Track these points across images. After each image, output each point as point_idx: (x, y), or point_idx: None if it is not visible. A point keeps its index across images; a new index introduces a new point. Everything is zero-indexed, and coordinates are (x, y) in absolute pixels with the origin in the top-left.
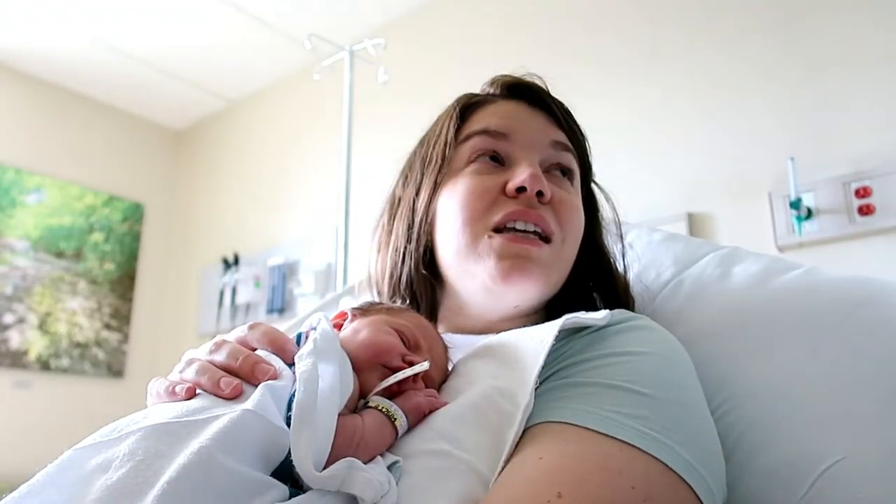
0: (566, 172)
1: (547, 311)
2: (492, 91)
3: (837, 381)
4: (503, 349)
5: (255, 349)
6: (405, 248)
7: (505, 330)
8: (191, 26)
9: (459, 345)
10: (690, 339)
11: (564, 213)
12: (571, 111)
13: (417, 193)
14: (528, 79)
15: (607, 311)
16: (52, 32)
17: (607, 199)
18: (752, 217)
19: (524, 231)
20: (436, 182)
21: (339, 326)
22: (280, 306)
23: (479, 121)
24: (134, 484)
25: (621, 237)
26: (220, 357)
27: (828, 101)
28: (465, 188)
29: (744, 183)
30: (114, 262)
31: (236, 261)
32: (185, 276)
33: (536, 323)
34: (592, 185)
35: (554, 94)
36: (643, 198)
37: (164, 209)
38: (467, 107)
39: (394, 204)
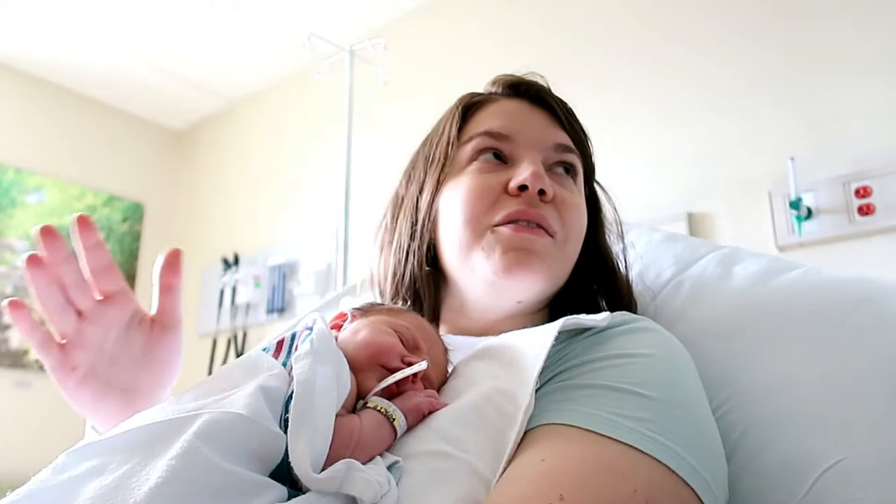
0: (569, 171)
1: (550, 311)
2: (494, 90)
3: (837, 382)
4: (503, 350)
5: None
6: (408, 246)
7: (506, 330)
8: (191, 26)
9: (460, 346)
10: (690, 339)
11: (566, 211)
12: (574, 110)
13: (420, 192)
14: (531, 77)
15: (608, 313)
16: (52, 33)
17: (608, 198)
18: (752, 217)
19: (527, 225)
20: (438, 180)
21: (338, 327)
22: (280, 306)
23: (482, 121)
24: (127, 487)
25: (622, 237)
26: None
27: (828, 100)
28: (468, 186)
29: (744, 183)
30: None
31: (236, 261)
32: (185, 276)
33: (538, 323)
34: (595, 185)
35: (555, 93)
36: (643, 198)
37: (164, 209)
38: (469, 106)
39: (397, 204)
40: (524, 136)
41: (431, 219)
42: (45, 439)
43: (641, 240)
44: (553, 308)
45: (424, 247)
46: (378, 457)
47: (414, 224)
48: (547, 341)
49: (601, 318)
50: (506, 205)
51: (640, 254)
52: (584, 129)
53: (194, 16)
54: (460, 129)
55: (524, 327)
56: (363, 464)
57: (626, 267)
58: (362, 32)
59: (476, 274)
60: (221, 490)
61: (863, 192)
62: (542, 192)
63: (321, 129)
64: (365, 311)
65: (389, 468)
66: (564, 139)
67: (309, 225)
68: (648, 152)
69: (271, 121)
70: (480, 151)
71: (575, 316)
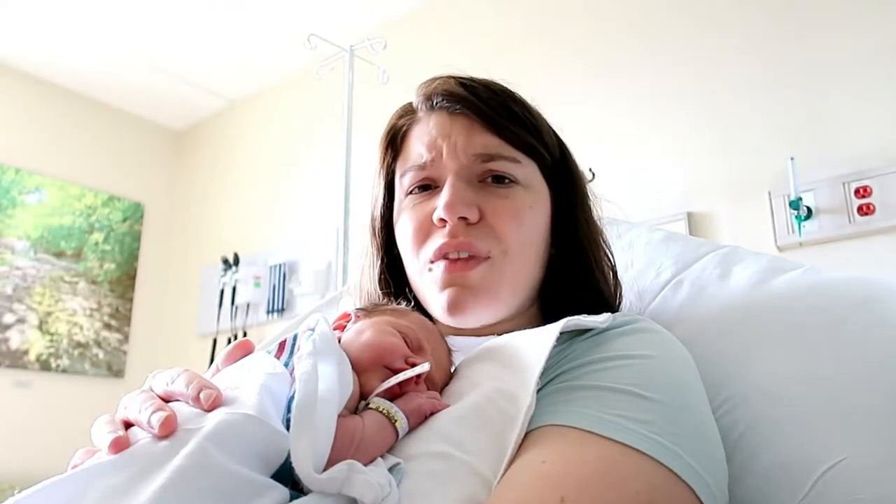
0: (502, 179)
1: (541, 306)
2: (417, 104)
3: (838, 382)
4: (505, 351)
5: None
6: (372, 265)
7: (502, 330)
8: (191, 26)
9: (461, 347)
10: (690, 339)
11: (501, 223)
12: (507, 101)
13: (372, 224)
14: (443, 84)
15: (609, 313)
16: (52, 33)
17: (595, 196)
18: (751, 217)
19: (457, 259)
20: (383, 217)
21: (342, 327)
22: (280, 306)
23: (407, 153)
24: (133, 489)
25: (599, 232)
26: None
27: (828, 100)
28: (405, 226)
29: (744, 183)
30: (114, 262)
31: (236, 261)
32: (185, 276)
33: (530, 320)
34: (575, 182)
35: (484, 83)
36: (643, 198)
37: (164, 209)
38: (395, 137)
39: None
40: (444, 156)
41: (385, 251)
42: (44, 439)
43: (641, 239)
44: (543, 302)
45: (385, 272)
46: (379, 458)
47: (375, 252)
48: (548, 342)
49: (602, 318)
50: (434, 238)
51: (639, 253)
52: (527, 118)
53: (194, 16)
54: (395, 159)
55: (518, 326)
56: (364, 465)
57: (612, 262)
58: (362, 32)
59: (432, 308)
60: (225, 492)
61: (863, 192)
62: (464, 217)
63: (321, 129)
64: (369, 311)
65: (390, 470)
66: (487, 146)
67: (309, 224)
68: (648, 152)
69: (271, 121)
70: (411, 185)
71: (576, 317)
